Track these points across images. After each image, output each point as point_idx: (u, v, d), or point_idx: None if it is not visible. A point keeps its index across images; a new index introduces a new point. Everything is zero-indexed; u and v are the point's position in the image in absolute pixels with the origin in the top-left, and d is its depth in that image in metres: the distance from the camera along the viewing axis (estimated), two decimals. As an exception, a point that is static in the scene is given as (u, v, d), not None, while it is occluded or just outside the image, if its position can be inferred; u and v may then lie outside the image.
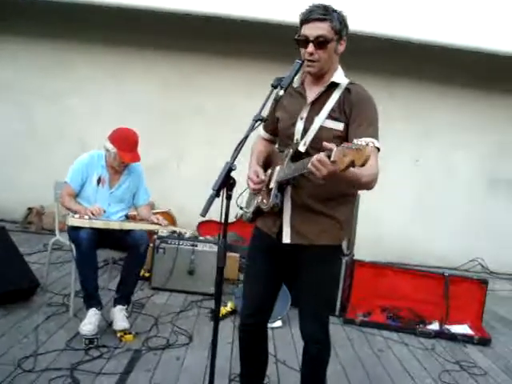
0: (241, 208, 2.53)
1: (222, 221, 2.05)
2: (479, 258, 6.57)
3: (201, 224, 5.99)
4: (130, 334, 3.47)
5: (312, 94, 2.27)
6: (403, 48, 5.92)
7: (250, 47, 6.26)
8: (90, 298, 3.49)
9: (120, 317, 3.60)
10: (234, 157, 2.04)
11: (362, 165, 1.70)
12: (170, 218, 5.83)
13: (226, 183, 2.01)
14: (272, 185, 2.28)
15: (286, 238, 2.29)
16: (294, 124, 2.28)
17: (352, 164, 1.70)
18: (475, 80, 6.44)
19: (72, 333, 3.41)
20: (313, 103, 2.25)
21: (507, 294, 5.79)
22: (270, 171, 2.37)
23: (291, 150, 2.23)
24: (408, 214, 6.55)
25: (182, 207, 6.08)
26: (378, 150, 2.16)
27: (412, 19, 5.69)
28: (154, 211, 5.67)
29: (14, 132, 6.49)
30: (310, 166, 1.89)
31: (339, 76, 2.25)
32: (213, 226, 5.80)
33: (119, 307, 3.65)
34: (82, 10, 5.87)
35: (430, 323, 4.29)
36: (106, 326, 3.62)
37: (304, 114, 2.26)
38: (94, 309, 3.45)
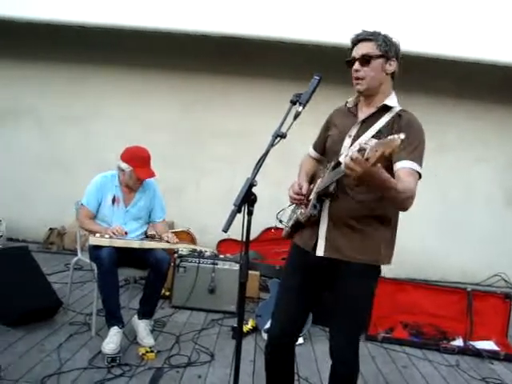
0: (280, 221, 2.54)
1: (244, 236, 2.06)
2: (502, 272, 6.47)
3: (220, 242, 6.03)
4: (152, 352, 3.47)
5: (364, 114, 2.31)
6: (414, 63, 5.91)
7: (269, 67, 6.33)
8: (112, 316, 3.51)
9: (146, 333, 3.68)
10: (255, 173, 2.06)
11: (390, 154, 1.70)
12: (189, 238, 5.86)
13: (248, 199, 2.02)
14: (311, 196, 2.30)
15: (320, 251, 2.28)
16: (341, 141, 2.31)
17: (382, 155, 1.71)
18: (487, 93, 6.42)
19: (94, 351, 3.43)
20: (363, 122, 2.28)
21: (532, 309, 5.69)
22: (312, 186, 2.39)
23: (333, 163, 2.25)
24: (428, 230, 6.49)
25: (202, 227, 6.10)
26: (420, 175, 2.19)
27: (422, 34, 5.69)
28: (174, 230, 5.72)
29: (37, 154, 6.64)
30: (343, 166, 1.88)
31: (392, 100, 2.30)
32: (232, 244, 5.84)
33: (145, 321, 3.72)
34: (104, 34, 6.00)
35: (454, 339, 4.24)
36: (128, 344, 3.63)
37: (353, 132, 2.29)
38: (115, 327, 3.47)
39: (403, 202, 2.09)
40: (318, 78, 2.21)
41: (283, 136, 2.12)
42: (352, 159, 1.80)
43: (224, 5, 5.79)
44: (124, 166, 3.75)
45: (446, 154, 6.56)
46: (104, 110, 6.60)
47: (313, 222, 2.29)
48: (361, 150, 1.79)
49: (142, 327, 3.70)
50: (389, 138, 1.71)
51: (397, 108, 2.28)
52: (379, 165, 1.81)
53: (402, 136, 1.69)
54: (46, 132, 6.65)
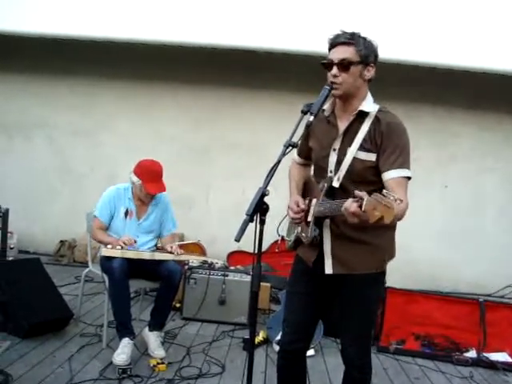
0: (282, 238, 2.54)
1: (256, 245, 2.06)
2: (515, 283, 6.41)
3: (230, 255, 6.03)
4: (163, 363, 3.47)
5: (343, 123, 2.28)
6: (426, 74, 5.92)
7: (277, 79, 6.35)
8: (123, 327, 3.51)
9: (156, 344, 3.67)
10: (267, 182, 2.06)
11: (391, 222, 1.73)
12: (199, 249, 5.87)
13: (260, 208, 2.03)
14: (310, 218, 2.29)
15: (328, 269, 2.28)
16: (327, 155, 2.30)
17: (381, 220, 1.73)
18: (499, 103, 6.40)
19: (105, 362, 3.43)
20: (344, 133, 2.25)
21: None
22: (307, 201, 2.37)
23: (326, 185, 2.24)
24: (438, 241, 6.45)
25: (212, 239, 6.11)
26: (409, 178, 2.17)
27: (434, 45, 5.69)
28: (184, 242, 5.72)
29: (47, 167, 6.70)
30: (343, 209, 1.90)
31: (368, 104, 2.25)
32: (242, 256, 5.84)
33: (156, 333, 3.72)
34: (111, 47, 6.06)
35: (467, 351, 4.19)
36: (139, 355, 3.62)
37: (337, 146, 2.27)
38: (126, 338, 3.47)
39: (400, 219, 2.10)
40: (328, 87, 2.21)
41: (295, 145, 2.13)
42: (350, 211, 1.85)
43: (232, 18, 5.83)
44: (135, 179, 3.76)
45: (458, 165, 6.54)
46: (113, 124, 6.65)
47: (315, 243, 2.29)
48: (357, 198, 1.82)
49: (153, 339, 3.70)
50: (387, 199, 1.72)
51: (374, 111, 2.23)
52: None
53: (399, 201, 1.74)
54: (56, 145, 6.71)
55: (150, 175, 3.74)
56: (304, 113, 2.18)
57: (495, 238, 6.48)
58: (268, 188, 2.05)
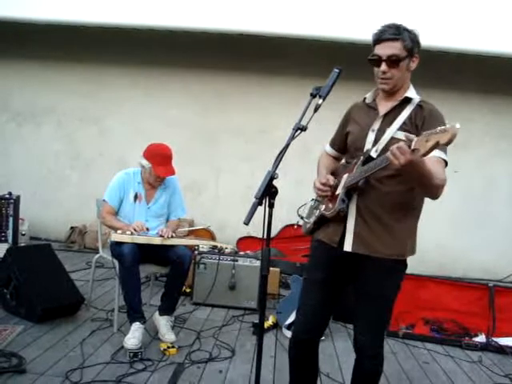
0: (302, 218, 2.52)
1: (265, 229, 2.06)
2: (525, 269, 6.39)
3: (240, 240, 6.05)
4: (173, 347, 3.50)
5: (384, 108, 2.29)
6: (437, 58, 5.87)
7: (286, 64, 6.33)
8: (134, 312, 3.54)
9: (167, 328, 3.71)
10: (276, 165, 2.06)
11: (448, 143, 1.73)
12: (208, 235, 5.89)
13: (268, 191, 2.03)
14: (339, 191, 2.26)
15: (348, 247, 2.24)
16: (365, 136, 2.28)
17: (436, 145, 1.74)
18: (511, 87, 6.34)
19: (116, 347, 3.46)
20: (385, 116, 2.26)
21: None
22: (336, 180, 2.35)
23: (362, 157, 2.23)
24: (448, 226, 6.44)
25: (221, 224, 6.13)
26: (446, 163, 2.18)
27: (447, 28, 5.63)
28: (194, 228, 5.75)
29: (57, 153, 6.75)
30: (388, 153, 1.89)
31: (412, 92, 2.28)
32: (251, 241, 5.86)
33: (166, 318, 3.75)
34: (118, 33, 6.07)
35: (476, 335, 4.19)
36: (150, 340, 3.66)
37: (376, 126, 2.26)
38: (137, 323, 3.50)
39: (436, 190, 2.10)
40: (337, 70, 2.20)
41: (304, 129, 2.12)
42: (398, 148, 1.84)
43: (241, 2, 5.81)
44: (144, 162, 3.78)
45: (470, 150, 6.48)
46: (122, 109, 6.68)
47: (339, 217, 2.26)
48: (406, 141, 1.84)
49: (163, 323, 3.73)
50: (440, 128, 1.72)
51: (417, 99, 2.25)
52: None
53: (458, 125, 1.71)
54: (65, 131, 6.75)
55: (159, 158, 3.76)
56: (313, 96, 2.18)
57: (506, 223, 6.45)
58: (276, 171, 2.05)
